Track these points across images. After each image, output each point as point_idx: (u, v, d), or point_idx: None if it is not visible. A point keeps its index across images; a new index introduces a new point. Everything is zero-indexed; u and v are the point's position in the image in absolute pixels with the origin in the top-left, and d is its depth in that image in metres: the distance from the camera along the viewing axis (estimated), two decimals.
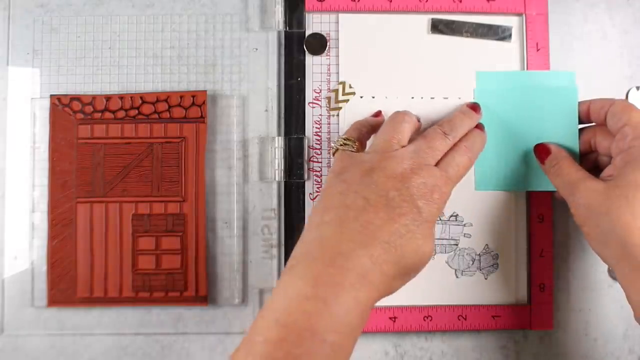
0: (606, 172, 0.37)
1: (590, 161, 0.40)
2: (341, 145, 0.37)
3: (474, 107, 0.40)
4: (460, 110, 0.39)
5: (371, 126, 0.39)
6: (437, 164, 0.35)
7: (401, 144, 0.35)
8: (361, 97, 0.42)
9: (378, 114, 0.41)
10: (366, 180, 0.33)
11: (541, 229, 0.42)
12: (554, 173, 0.38)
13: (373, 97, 0.42)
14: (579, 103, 0.40)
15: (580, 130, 0.40)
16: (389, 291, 0.32)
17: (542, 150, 0.40)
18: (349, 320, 0.29)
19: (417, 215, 0.32)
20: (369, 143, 0.39)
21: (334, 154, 0.37)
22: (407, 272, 0.32)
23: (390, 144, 0.35)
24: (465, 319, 0.41)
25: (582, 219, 0.36)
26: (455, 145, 0.36)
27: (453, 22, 0.42)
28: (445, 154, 0.36)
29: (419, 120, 0.39)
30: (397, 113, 0.38)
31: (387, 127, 0.37)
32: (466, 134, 0.38)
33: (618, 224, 0.33)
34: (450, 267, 0.42)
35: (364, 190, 0.32)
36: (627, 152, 0.35)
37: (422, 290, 0.42)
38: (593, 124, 0.40)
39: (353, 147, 0.37)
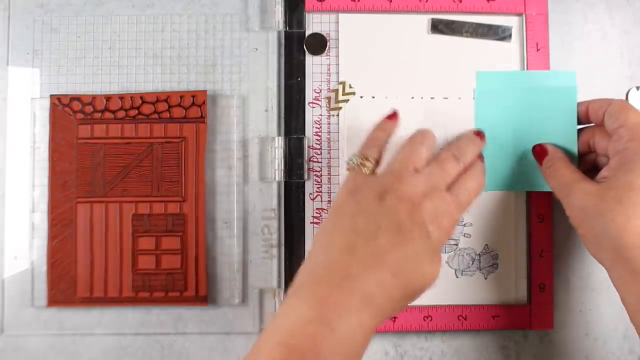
0: (602, 174, 0.37)
1: (590, 162, 0.40)
2: (359, 165, 0.36)
3: (479, 133, 0.39)
4: (467, 136, 0.39)
5: (388, 136, 0.38)
6: (448, 189, 0.35)
7: (417, 167, 0.35)
8: (361, 97, 0.42)
9: (393, 116, 0.39)
10: (379, 203, 0.33)
11: (541, 229, 0.42)
12: (549, 174, 0.38)
13: (373, 97, 0.42)
14: (578, 104, 0.40)
15: (580, 130, 0.40)
16: (393, 314, 0.32)
17: (539, 151, 0.40)
18: (354, 342, 0.29)
19: (427, 240, 0.32)
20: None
21: (347, 169, 0.37)
22: (412, 296, 0.32)
23: (406, 166, 0.35)
24: (465, 319, 0.41)
25: (577, 221, 0.36)
26: (465, 170, 0.36)
27: (453, 22, 0.42)
28: (456, 179, 0.35)
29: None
30: (417, 134, 0.37)
31: (405, 148, 0.36)
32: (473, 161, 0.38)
33: (612, 226, 0.33)
34: (450, 267, 0.42)
35: (376, 213, 0.32)
36: (622, 154, 0.35)
37: None
38: (592, 124, 0.40)
39: (370, 168, 0.36)
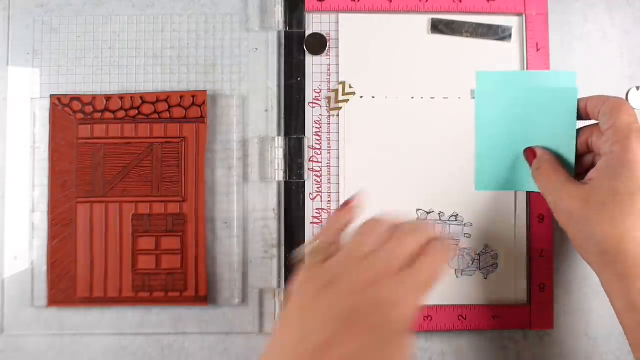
0: (589, 176, 0.36)
1: (588, 162, 0.40)
2: (311, 254, 0.33)
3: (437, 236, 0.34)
4: (419, 220, 0.37)
5: (345, 225, 0.35)
6: (405, 269, 0.31)
7: (370, 250, 0.31)
8: (361, 97, 0.42)
9: (347, 202, 0.36)
10: (329, 292, 0.30)
11: (541, 229, 0.42)
12: (536, 176, 0.38)
13: (373, 97, 0.42)
14: (579, 100, 0.40)
15: (578, 130, 0.40)
16: None
17: (529, 154, 0.39)
18: None
19: (387, 325, 0.29)
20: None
21: (301, 258, 0.34)
22: None
23: (359, 251, 0.31)
24: (465, 319, 0.41)
25: (564, 224, 0.35)
26: (422, 249, 0.32)
27: (453, 22, 0.42)
28: (412, 260, 0.31)
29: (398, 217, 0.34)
30: (370, 221, 0.33)
31: (359, 231, 0.33)
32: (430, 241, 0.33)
33: (597, 231, 0.33)
34: (450, 267, 0.42)
35: (326, 304, 0.29)
36: (608, 156, 0.34)
37: None
38: (592, 122, 0.39)
39: (322, 258, 0.32)
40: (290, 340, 0.29)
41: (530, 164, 0.39)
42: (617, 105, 0.35)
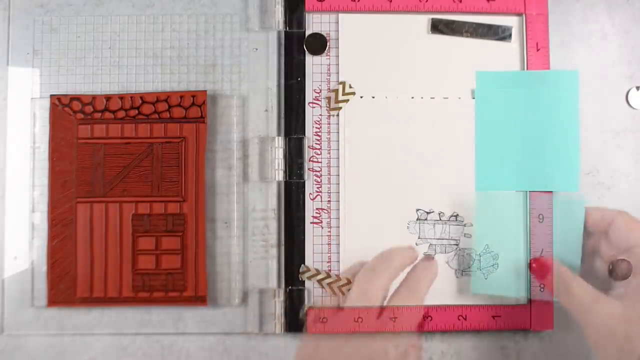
0: (620, 291, 0.36)
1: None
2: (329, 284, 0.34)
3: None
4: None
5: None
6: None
7: (381, 295, 0.31)
8: (361, 97, 0.42)
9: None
10: None
11: (541, 229, 0.42)
12: (562, 292, 0.38)
13: (373, 97, 0.42)
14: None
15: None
16: None
17: (539, 268, 0.39)
18: None
19: None
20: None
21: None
22: None
23: (367, 297, 0.31)
24: (465, 319, 0.41)
25: (598, 341, 0.35)
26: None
27: (453, 22, 0.42)
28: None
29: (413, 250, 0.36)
30: (387, 252, 0.33)
31: (368, 270, 0.32)
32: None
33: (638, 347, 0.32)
34: (450, 267, 0.42)
35: None
36: None
37: None
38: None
39: (339, 288, 0.32)
40: None
41: (541, 277, 0.39)
42: (630, 222, 0.36)
